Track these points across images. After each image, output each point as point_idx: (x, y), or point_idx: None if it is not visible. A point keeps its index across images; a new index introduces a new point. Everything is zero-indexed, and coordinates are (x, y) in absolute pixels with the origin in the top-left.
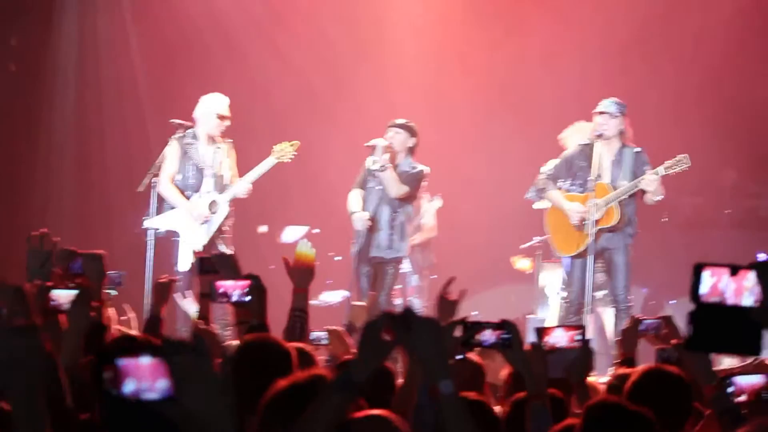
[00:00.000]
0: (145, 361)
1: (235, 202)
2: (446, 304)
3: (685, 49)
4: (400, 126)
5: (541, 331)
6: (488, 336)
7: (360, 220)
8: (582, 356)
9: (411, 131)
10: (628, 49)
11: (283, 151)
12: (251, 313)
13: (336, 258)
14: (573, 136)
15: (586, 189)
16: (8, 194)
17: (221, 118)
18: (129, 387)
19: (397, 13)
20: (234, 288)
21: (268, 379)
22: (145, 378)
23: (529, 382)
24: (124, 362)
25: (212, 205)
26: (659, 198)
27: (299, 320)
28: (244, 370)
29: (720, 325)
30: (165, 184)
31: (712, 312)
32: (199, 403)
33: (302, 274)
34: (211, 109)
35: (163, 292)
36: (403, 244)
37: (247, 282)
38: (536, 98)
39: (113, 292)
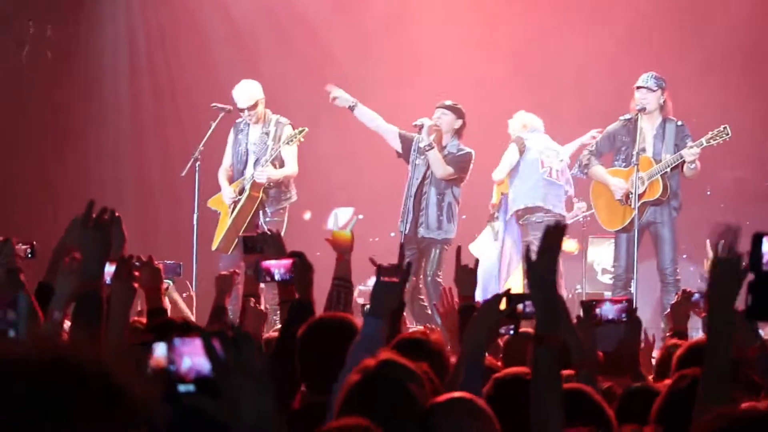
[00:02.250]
0: (200, 342)
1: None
2: (466, 274)
3: (725, 19)
4: (448, 107)
5: (590, 305)
6: (532, 307)
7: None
8: (631, 330)
9: (458, 113)
10: (666, 20)
11: (291, 138)
12: (296, 292)
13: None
14: (514, 125)
15: (629, 163)
16: (45, 183)
17: (240, 110)
18: (185, 364)
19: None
20: (278, 267)
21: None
22: (198, 358)
23: (575, 352)
24: (180, 341)
25: (241, 188)
26: (694, 167)
27: (343, 289)
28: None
29: None
30: (219, 173)
31: None
32: (241, 393)
33: (342, 243)
34: (235, 101)
35: (226, 283)
36: (452, 225)
37: (291, 260)
38: (575, 73)
39: (171, 282)
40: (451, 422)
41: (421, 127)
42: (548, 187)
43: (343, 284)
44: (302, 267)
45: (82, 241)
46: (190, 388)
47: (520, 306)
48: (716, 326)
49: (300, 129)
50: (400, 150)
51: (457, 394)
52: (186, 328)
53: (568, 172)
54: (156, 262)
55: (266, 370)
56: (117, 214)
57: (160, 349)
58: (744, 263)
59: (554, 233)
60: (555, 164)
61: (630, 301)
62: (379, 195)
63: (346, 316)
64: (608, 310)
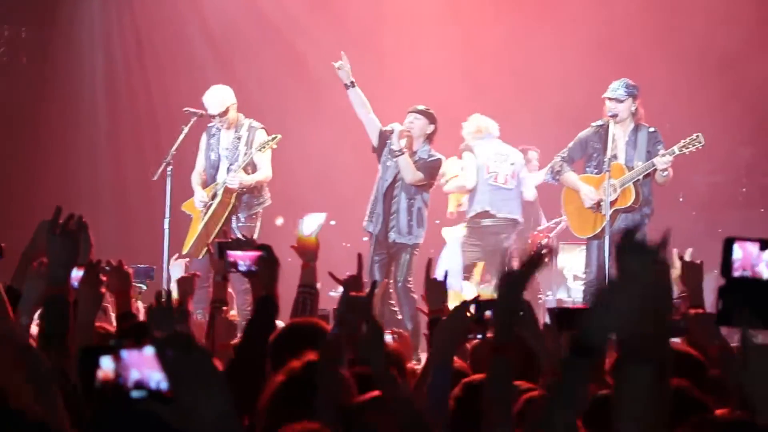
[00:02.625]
0: (149, 352)
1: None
2: (434, 286)
3: (697, 25)
4: (420, 112)
5: (556, 312)
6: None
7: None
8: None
9: (430, 118)
10: (638, 27)
11: (264, 144)
12: (261, 285)
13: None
14: (468, 128)
15: (601, 170)
16: (20, 186)
17: (212, 117)
18: (133, 377)
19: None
20: (244, 258)
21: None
22: (147, 370)
23: (542, 359)
24: (128, 353)
25: (213, 193)
26: (666, 174)
27: (308, 296)
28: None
29: (750, 300)
30: (192, 177)
31: (742, 286)
32: (195, 400)
33: (308, 250)
34: (206, 107)
35: (187, 285)
36: (421, 230)
37: (258, 253)
38: (546, 79)
39: (143, 287)
40: (365, 420)
41: (392, 132)
42: (494, 192)
43: (308, 291)
44: (268, 261)
45: (49, 246)
46: (143, 393)
47: (488, 312)
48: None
49: (273, 136)
50: (375, 144)
51: (375, 393)
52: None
53: (527, 175)
54: (126, 267)
55: (220, 374)
56: (84, 219)
57: (106, 362)
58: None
59: (540, 257)
60: (503, 169)
61: None
62: (352, 200)
63: (317, 321)
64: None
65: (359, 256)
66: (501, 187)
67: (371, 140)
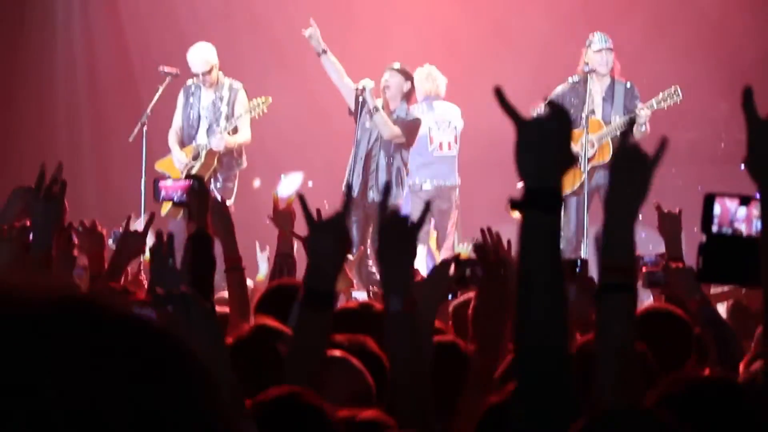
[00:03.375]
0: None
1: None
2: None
3: None
4: (396, 70)
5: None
6: (481, 273)
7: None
8: (582, 290)
9: (406, 75)
10: None
11: (255, 107)
12: (191, 215)
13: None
14: (421, 83)
15: (579, 126)
16: None
17: (195, 75)
18: None
19: None
20: (176, 188)
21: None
22: None
23: None
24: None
25: (195, 154)
26: (644, 130)
27: (285, 264)
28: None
29: (731, 256)
30: (169, 135)
31: (723, 243)
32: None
33: (284, 218)
34: (189, 65)
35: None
36: (400, 190)
37: (187, 183)
38: (525, 33)
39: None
40: None
41: (363, 89)
42: (439, 162)
43: (285, 260)
44: (198, 191)
45: (34, 211)
46: None
47: (468, 271)
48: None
49: (264, 99)
50: (352, 108)
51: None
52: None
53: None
54: (100, 227)
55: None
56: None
57: None
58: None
59: None
60: (446, 136)
61: (583, 260)
62: (330, 160)
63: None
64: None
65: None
66: (446, 155)
67: (348, 104)
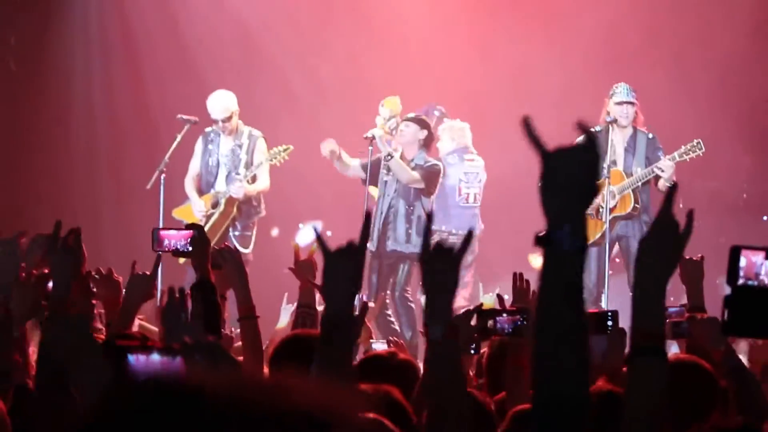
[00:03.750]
0: (155, 357)
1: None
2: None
3: (696, 31)
4: (410, 119)
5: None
6: (503, 323)
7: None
8: (615, 342)
9: (421, 123)
10: (636, 32)
11: (276, 155)
12: (193, 264)
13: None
14: (444, 136)
15: (600, 176)
16: (15, 193)
17: (214, 122)
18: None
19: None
20: (176, 238)
21: None
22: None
23: None
24: (135, 358)
25: (215, 202)
26: (669, 185)
27: (307, 316)
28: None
29: (757, 309)
30: (186, 182)
31: (748, 295)
32: None
33: (305, 269)
34: (209, 111)
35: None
36: (420, 239)
37: (190, 232)
38: (545, 82)
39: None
40: None
41: (373, 137)
42: (462, 211)
43: (307, 311)
44: (200, 241)
45: (52, 263)
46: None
47: (491, 321)
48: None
49: (285, 147)
50: (364, 177)
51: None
52: (144, 343)
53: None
54: (116, 276)
55: None
56: (75, 228)
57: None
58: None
59: None
60: (473, 189)
61: (614, 312)
62: (350, 210)
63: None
64: (503, 321)
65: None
66: (470, 206)
67: (360, 178)
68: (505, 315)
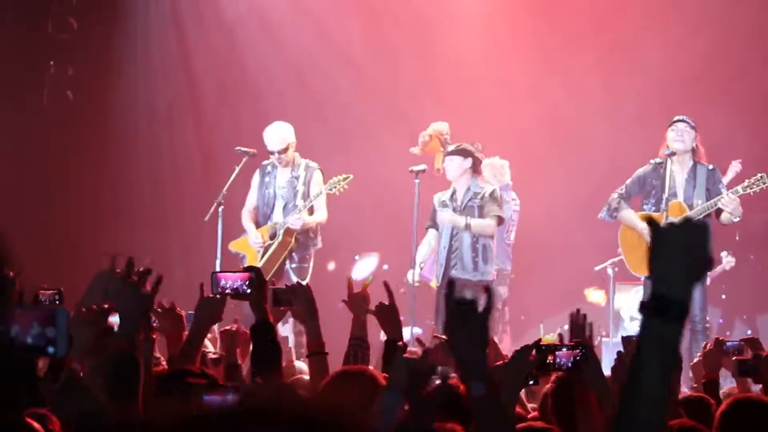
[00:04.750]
0: (230, 398)
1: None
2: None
3: (754, 64)
4: (450, 153)
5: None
6: (563, 357)
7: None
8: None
9: (463, 153)
10: (695, 64)
11: (336, 184)
12: (252, 306)
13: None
14: (485, 172)
15: (659, 208)
16: (76, 222)
17: (270, 153)
18: None
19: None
20: (234, 279)
21: None
22: None
23: (606, 401)
24: (210, 398)
25: (273, 234)
26: (737, 219)
27: (359, 349)
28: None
29: None
30: (243, 215)
31: None
32: None
33: (358, 303)
34: (266, 143)
35: (233, 339)
36: (489, 267)
37: (248, 274)
38: (598, 121)
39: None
40: None
41: (421, 171)
42: (505, 249)
43: (359, 344)
44: (257, 283)
45: (121, 297)
46: None
47: (550, 357)
48: None
49: (345, 176)
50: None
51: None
52: (203, 378)
53: None
54: (178, 309)
55: None
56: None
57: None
58: None
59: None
60: (514, 227)
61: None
62: (405, 243)
63: (368, 369)
64: (562, 356)
65: (385, 284)
66: (510, 243)
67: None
68: (564, 350)
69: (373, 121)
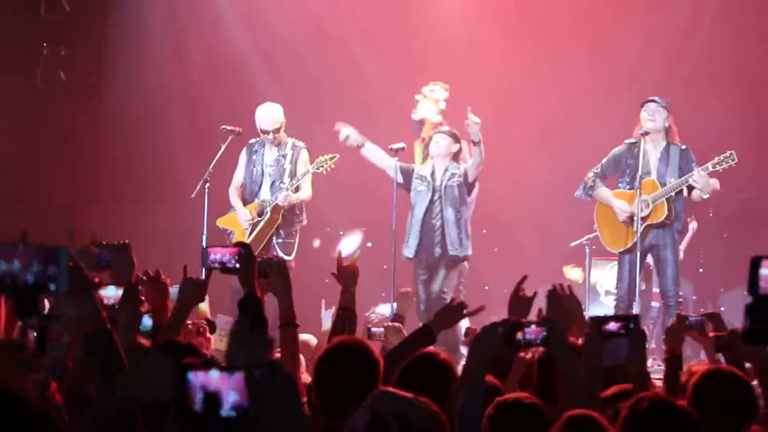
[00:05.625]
0: (214, 374)
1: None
2: (520, 302)
3: (727, 43)
4: (445, 132)
5: (598, 321)
6: (530, 334)
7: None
8: (635, 343)
9: (455, 138)
10: (667, 46)
11: (322, 163)
12: (240, 281)
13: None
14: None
15: (633, 186)
16: (67, 197)
17: (263, 132)
18: (199, 399)
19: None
20: (224, 253)
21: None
22: (215, 390)
23: (573, 377)
24: (194, 376)
25: (260, 211)
26: (707, 196)
27: (347, 319)
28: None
29: None
30: (230, 192)
31: None
32: (279, 420)
33: (347, 276)
34: (257, 122)
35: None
36: (469, 242)
37: (237, 249)
38: (582, 96)
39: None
40: None
41: (399, 149)
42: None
43: (347, 314)
44: (246, 257)
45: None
46: (233, 414)
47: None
48: None
49: (331, 155)
50: (401, 180)
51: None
52: (190, 351)
53: None
54: (164, 277)
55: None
56: (126, 241)
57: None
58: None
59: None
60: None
61: (636, 316)
62: (388, 219)
63: (364, 341)
64: (531, 332)
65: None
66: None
67: (395, 180)
68: (533, 326)
69: (360, 99)
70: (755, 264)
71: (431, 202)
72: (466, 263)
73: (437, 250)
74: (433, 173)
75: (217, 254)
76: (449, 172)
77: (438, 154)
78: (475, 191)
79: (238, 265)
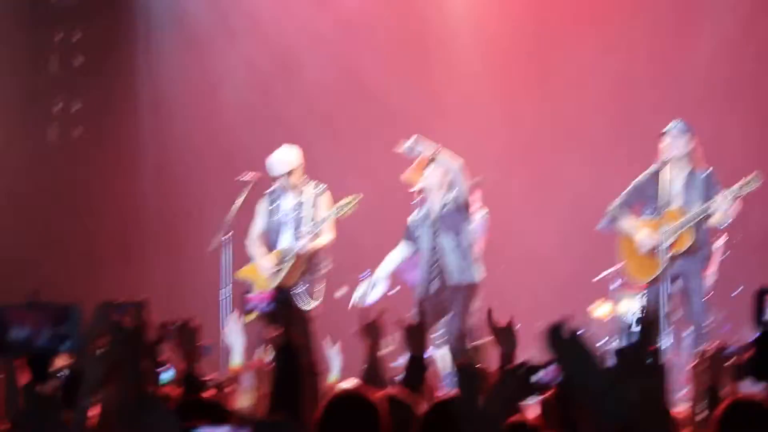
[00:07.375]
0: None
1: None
2: (502, 333)
3: (750, 67)
4: (433, 162)
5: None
6: (544, 376)
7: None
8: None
9: (438, 161)
10: (689, 70)
11: (343, 207)
12: (277, 324)
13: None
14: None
15: (659, 214)
16: (81, 256)
17: (273, 179)
18: None
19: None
20: (260, 299)
21: None
22: None
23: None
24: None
25: (281, 260)
26: (726, 224)
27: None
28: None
29: None
30: (249, 243)
31: None
32: None
33: (373, 332)
34: (268, 170)
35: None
36: (475, 267)
37: (273, 293)
38: (603, 126)
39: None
40: None
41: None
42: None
43: (377, 365)
44: (282, 302)
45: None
46: None
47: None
48: None
49: (353, 197)
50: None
51: None
52: (213, 411)
53: None
54: (191, 324)
55: None
56: (140, 299)
57: None
58: None
59: None
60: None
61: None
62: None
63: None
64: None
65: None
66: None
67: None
68: (543, 370)
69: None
70: (761, 296)
71: (433, 234)
72: (475, 289)
73: (434, 284)
74: (427, 215)
75: (255, 301)
76: (443, 203)
77: (431, 188)
78: (480, 216)
79: (275, 310)
